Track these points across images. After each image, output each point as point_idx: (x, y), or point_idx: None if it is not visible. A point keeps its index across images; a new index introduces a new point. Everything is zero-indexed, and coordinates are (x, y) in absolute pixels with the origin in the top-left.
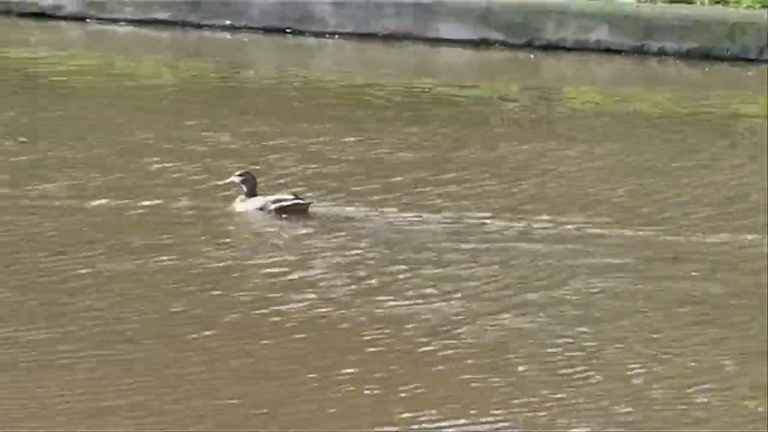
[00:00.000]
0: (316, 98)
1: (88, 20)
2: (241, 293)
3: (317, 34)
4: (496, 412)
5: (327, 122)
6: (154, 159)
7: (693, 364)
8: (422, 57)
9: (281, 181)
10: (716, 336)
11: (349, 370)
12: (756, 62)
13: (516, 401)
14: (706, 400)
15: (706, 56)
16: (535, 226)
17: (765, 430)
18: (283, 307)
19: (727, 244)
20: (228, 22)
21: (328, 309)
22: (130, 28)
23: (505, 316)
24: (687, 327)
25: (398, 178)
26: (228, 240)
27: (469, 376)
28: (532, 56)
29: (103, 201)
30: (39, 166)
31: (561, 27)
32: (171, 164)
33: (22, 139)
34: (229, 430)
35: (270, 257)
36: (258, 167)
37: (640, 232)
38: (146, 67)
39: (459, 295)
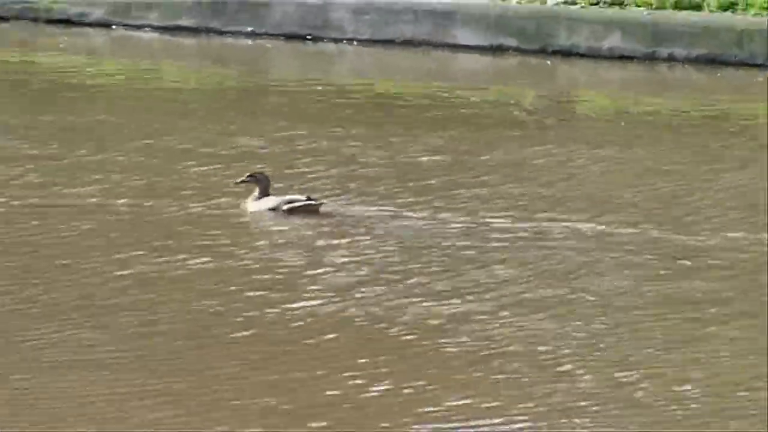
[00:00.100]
0: (339, 103)
1: (113, 27)
2: (271, 293)
3: (336, 41)
4: (512, 408)
5: (351, 126)
6: (185, 162)
7: (716, 365)
8: (440, 63)
9: (310, 184)
10: (736, 336)
11: (382, 369)
12: (763, 68)
13: (529, 398)
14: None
15: (714, 62)
16: (553, 227)
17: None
18: (310, 306)
19: (743, 244)
20: (250, 29)
21: (354, 309)
22: (154, 35)
23: (524, 315)
24: (704, 327)
25: (420, 181)
26: (258, 241)
27: (485, 374)
28: (548, 62)
29: (135, 203)
30: (72, 169)
31: (574, 34)
32: (203, 167)
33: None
34: (267, 429)
35: (297, 258)
36: (290, 171)
37: (657, 234)
38: (171, 73)
39: (477, 294)
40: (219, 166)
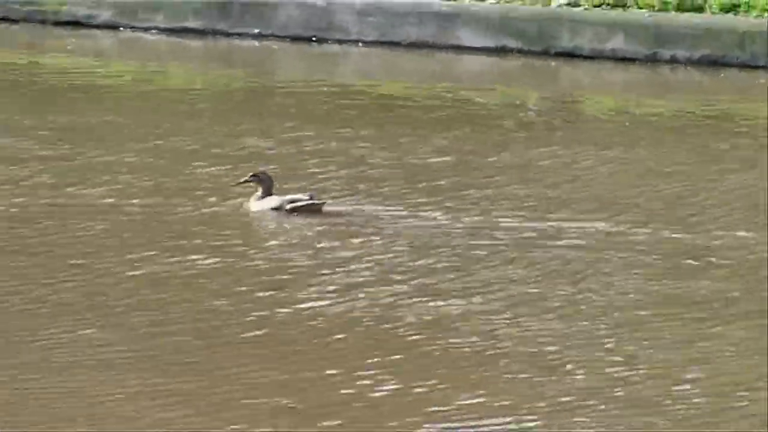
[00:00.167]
0: (345, 104)
1: (120, 29)
2: (281, 293)
3: (341, 42)
4: (521, 408)
5: (358, 127)
6: (195, 163)
7: (721, 365)
8: (444, 64)
9: (320, 184)
10: (742, 336)
11: (392, 368)
12: (765, 69)
13: (539, 397)
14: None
15: (716, 64)
16: (560, 227)
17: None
18: (320, 306)
19: (750, 244)
20: (256, 31)
21: (363, 308)
22: (161, 37)
23: (532, 315)
24: (713, 327)
25: (428, 182)
26: (267, 241)
27: (494, 374)
28: (552, 64)
29: (145, 203)
30: (83, 169)
31: (577, 36)
32: (213, 168)
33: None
34: (278, 429)
35: (306, 258)
36: (300, 172)
37: (664, 233)
38: (179, 74)
39: (485, 294)
40: (229, 166)
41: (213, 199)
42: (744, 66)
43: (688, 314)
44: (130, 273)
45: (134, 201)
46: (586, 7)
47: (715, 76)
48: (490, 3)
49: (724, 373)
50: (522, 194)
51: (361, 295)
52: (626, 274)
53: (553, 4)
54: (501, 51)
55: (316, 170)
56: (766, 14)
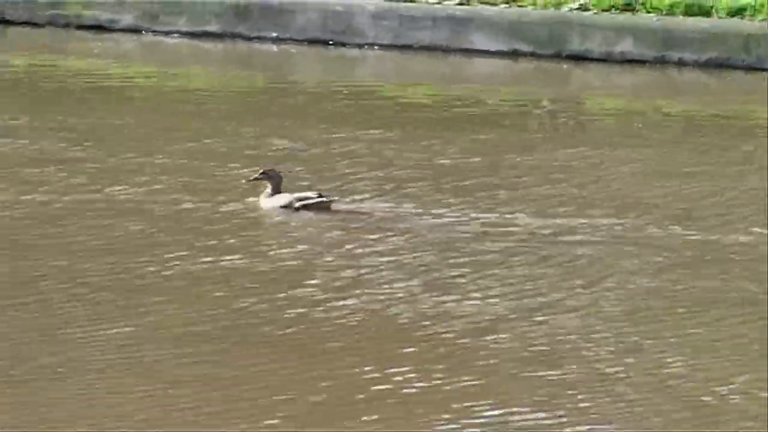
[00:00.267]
0: (367, 106)
1: (143, 32)
2: (302, 291)
3: (358, 46)
4: (538, 406)
5: (384, 129)
6: (220, 163)
7: (734, 363)
8: (458, 67)
9: (351, 185)
10: (759, 335)
11: (406, 365)
12: None
13: (556, 396)
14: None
15: (722, 66)
16: (576, 226)
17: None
18: (340, 304)
19: (762, 243)
20: (275, 35)
21: (381, 306)
22: (182, 40)
23: (547, 314)
24: (731, 327)
25: (451, 182)
26: (295, 240)
27: (514, 372)
28: (564, 66)
29: (172, 204)
30: (109, 170)
31: (587, 39)
32: (245, 170)
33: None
34: (314, 424)
35: (333, 257)
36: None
37: (678, 232)
38: (200, 78)
39: (501, 293)
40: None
41: (239, 198)
42: (749, 68)
43: (710, 314)
44: (162, 273)
45: (161, 201)
46: (596, 11)
47: (721, 79)
48: (503, 7)
49: (745, 372)
50: (545, 194)
51: (390, 295)
52: (649, 274)
53: (564, 9)
54: (513, 54)
55: (349, 171)
56: None
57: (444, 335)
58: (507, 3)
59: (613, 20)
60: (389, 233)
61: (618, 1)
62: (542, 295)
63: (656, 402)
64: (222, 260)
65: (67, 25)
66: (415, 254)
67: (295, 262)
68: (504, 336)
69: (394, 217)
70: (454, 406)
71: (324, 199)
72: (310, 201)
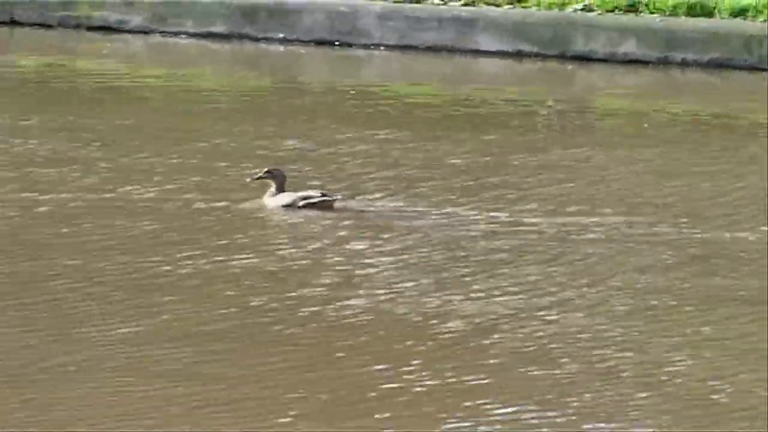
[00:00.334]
0: (374, 106)
1: (151, 33)
2: (312, 290)
3: (364, 46)
4: (548, 404)
5: (391, 129)
6: (231, 163)
7: (742, 361)
8: (464, 68)
9: (363, 185)
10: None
11: (416, 363)
12: None
13: (563, 395)
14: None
15: (724, 66)
16: (584, 225)
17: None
18: (350, 303)
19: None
20: (282, 35)
21: (391, 305)
22: (191, 41)
23: (554, 312)
24: (740, 325)
25: (458, 182)
26: (298, 239)
27: (521, 370)
28: (569, 67)
29: (184, 203)
30: (121, 170)
31: (591, 40)
32: (252, 169)
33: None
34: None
35: (342, 256)
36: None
37: (686, 231)
38: (209, 78)
39: (510, 291)
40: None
41: (250, 198)
42: (752, 68)
43: (718, 313)
44: (179, 272)
45: (172, 200)
46: (600, 12)
47: (723, 79)
48: (508, 8)
49: (752, 370)
50: (554, 193)
51: (400, 294)
52: (657, 272)
53: (568, 10)
54: (517, 55)
55: (358, 171)
56: None
57: (454, 333)
58: (511, 4)
59: (617, 21)
60: (398, 232)
61: (622, 1)
62: (551, 294)
63: (665, 400)
64: (234, 259)
65: (77, 26)
66: (424, 253)
67: (305, 261)
68: (513, 334)
69: (403, 217)
70: (465, 404)
71: (327, 198)
72: (313, 200)
